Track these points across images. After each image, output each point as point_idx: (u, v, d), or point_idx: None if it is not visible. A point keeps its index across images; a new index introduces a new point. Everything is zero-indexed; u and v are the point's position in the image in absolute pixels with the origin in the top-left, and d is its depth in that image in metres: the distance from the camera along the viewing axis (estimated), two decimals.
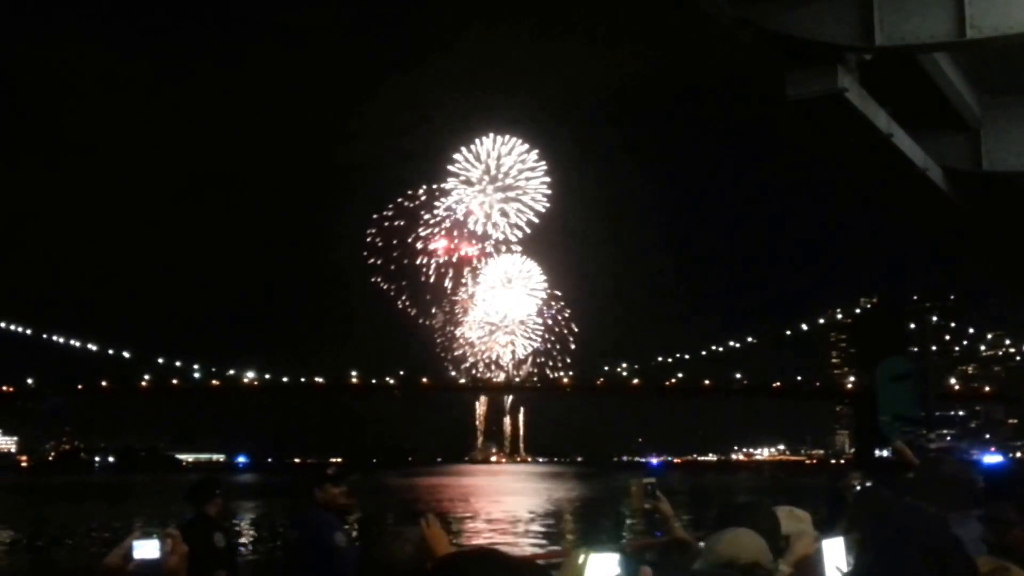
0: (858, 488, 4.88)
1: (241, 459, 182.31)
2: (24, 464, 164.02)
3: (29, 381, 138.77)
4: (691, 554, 4.00)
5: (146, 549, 2.62)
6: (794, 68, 9.33)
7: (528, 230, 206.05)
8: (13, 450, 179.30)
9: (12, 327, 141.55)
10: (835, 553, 3.39)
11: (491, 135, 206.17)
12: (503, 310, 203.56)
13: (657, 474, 4.42)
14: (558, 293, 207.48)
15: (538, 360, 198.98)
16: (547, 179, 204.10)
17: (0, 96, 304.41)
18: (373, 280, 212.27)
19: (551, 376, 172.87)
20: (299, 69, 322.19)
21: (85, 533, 33.71)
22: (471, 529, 37.00)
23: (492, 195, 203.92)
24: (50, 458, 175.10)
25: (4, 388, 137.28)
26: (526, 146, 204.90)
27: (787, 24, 8.83)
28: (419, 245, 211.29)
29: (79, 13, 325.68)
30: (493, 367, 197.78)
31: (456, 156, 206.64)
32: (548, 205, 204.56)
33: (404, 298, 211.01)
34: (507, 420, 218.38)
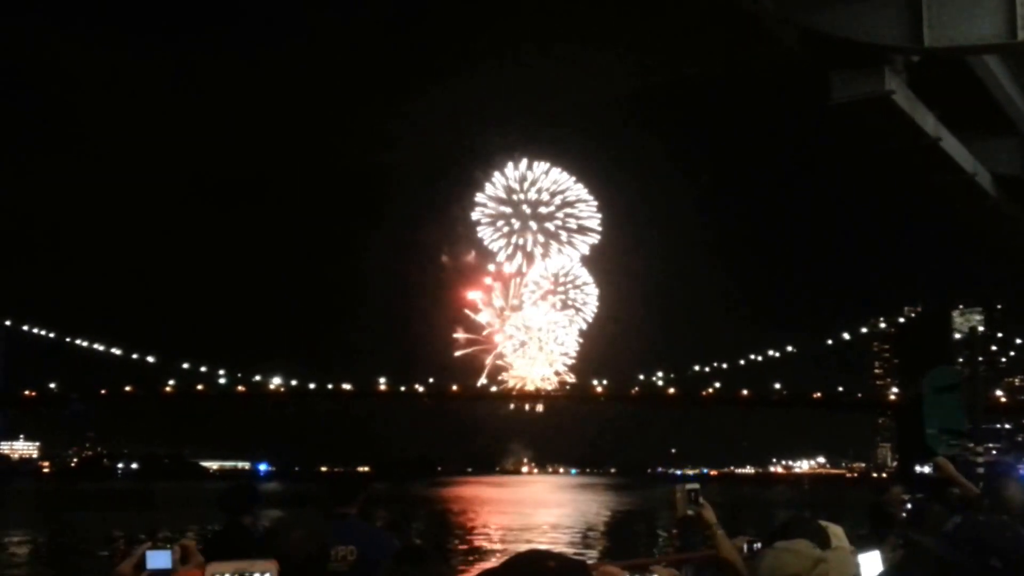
0: (911, 499, 4.67)
1: (262, 467, 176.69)
2: (46, 470, 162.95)
3: (52, 386, 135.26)
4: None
5: (159, 559, 2.54)
6: (839, 70, 9.11)
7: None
8: (35, 456, 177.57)
9: (35, 331, 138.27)
10: (872, 567, 3.31)
11: (523, 162, 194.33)
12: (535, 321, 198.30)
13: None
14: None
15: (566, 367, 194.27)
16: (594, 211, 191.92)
17: (25, 99, 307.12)
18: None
19: (584, 384, 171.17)
20: (333, 73, 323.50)
21: (107, 540, 33.56)
22: (507, 543, 36.71)
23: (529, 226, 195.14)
24: (72, 464, 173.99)
25: (26, 393, 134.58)
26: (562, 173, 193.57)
27: (832, 24, 8.60)
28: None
29: (109, 14, 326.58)
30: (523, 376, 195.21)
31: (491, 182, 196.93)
32: (600, 230, 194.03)
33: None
34: (538, 430, 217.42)
